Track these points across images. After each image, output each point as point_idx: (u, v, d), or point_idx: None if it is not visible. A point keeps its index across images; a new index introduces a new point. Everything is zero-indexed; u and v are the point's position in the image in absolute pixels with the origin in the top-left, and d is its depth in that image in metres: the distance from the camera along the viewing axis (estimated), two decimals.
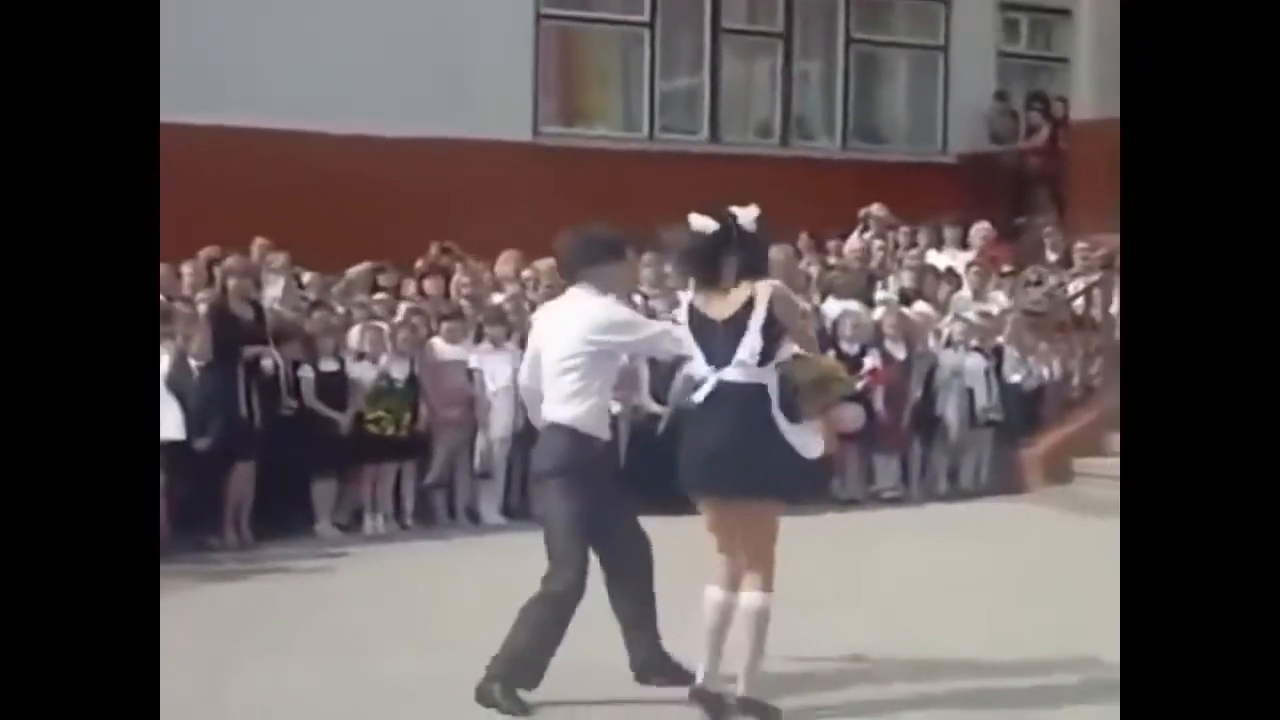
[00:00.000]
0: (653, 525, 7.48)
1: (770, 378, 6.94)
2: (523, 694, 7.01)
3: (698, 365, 7.05)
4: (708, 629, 6.96)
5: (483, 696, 7.02)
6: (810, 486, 7.60)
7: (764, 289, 6.90)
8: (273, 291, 13.39)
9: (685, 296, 7.24)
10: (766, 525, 7.02)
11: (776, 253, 15.34)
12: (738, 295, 6.91)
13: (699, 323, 7.01)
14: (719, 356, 6.90)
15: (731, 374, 6.87)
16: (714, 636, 6.96)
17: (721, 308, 6.93)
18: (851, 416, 14.09)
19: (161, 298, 12.43)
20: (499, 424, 12.83)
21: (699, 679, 6.94)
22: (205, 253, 13.51)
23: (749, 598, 6.93)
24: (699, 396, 6.99)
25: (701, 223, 7.04)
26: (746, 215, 7.09)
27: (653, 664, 7.45)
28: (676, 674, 7.33)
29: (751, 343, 6.83)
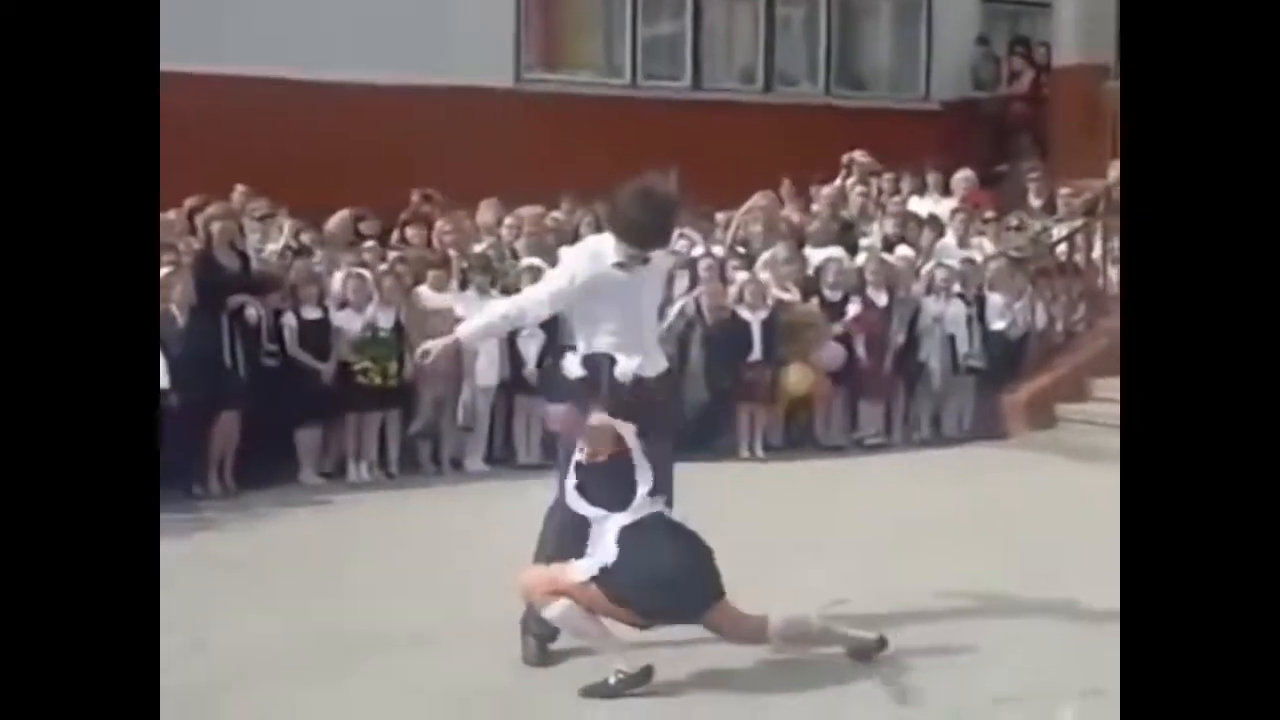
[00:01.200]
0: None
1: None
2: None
3: None
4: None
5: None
6: None
7: None
8: (257, 239, 13.37)
9: None
10: None
11: (758, 199, 15.43)
12: None
13: None
14: None
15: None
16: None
17: None
18: (831, 355, 14.25)
19: None
20: (484, 373, 12.83)
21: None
22: (189, 201, 13.44)
23: None
24: None
25: None
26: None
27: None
28: None
29: None
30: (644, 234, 7.07)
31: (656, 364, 7.26)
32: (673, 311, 13.31)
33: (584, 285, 7.11)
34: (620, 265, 7.09)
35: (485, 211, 14.94)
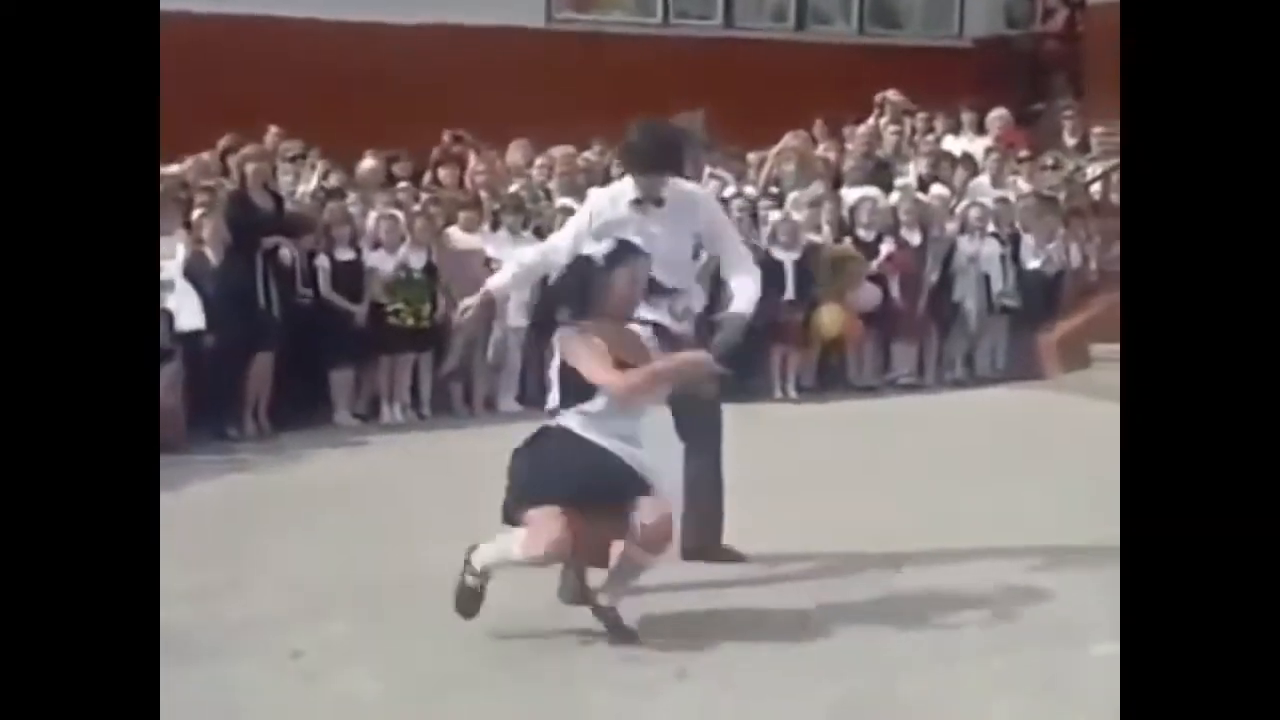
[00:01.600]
0: None
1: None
2: None
3: None
4: None
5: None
6: None
7: None
8: (290, 180, 13.38)
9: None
10: None
11: (790, 139, 15.38)
12: None
13: None
14: None
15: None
16: None
17: None
18: (868, 297, 14.22)
19: (171, 187, 12.46)
20: (515, 314, 12.83)
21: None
22: (222, 142, 13.45)
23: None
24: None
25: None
26: None
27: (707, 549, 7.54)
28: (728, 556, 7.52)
29: None
30: (647, 161, 7.23)
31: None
32: (704, 253, 13.26)
33: (601, 226, 7.20)
34: (636, 203, 7.20)
35: (515, 152, 14.91)
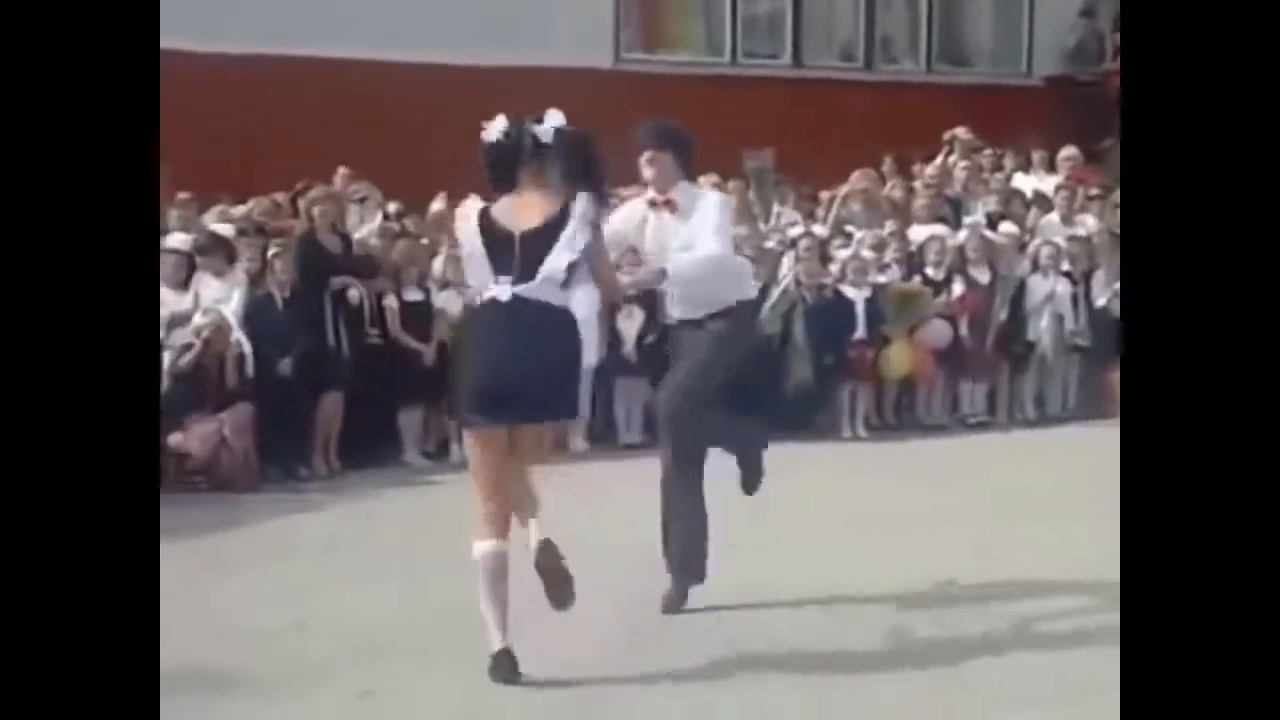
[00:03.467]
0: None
1: (577, 301, 6.65)
2: None
3: (481, 277, 6.56)
4: (489, 585, 6.53)
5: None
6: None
7: (582, 203, 6.57)
8: (356, 221, 13.46)
9: (473, 204, 6.77)
10: (539, 453, 6.79)
11: (859, 178, 15.36)
12: (544, 208, 6.55)
13: (491, 232, 6.55)
14: (514, 270, 6.45)
15: (532, 290, 6.43)
16: (499, 589, 6.54)
17: (521, 219, 6.53)
18: (938, 334, 14.16)
19: (231, 228, 12.61)
20: (584, 353, 12.80)
21: (496, 645, 6.51)
22: (297, 185, 13.55)
23: (536, 534, 6.64)
24: (488, 313, 6.50)
25: (493, 127, 6.75)
26: (546, 124, 6.72)
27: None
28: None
29: (557, 259, 6.44)
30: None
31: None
32: (776, 291, 13.30)
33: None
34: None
35: None
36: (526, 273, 6.41)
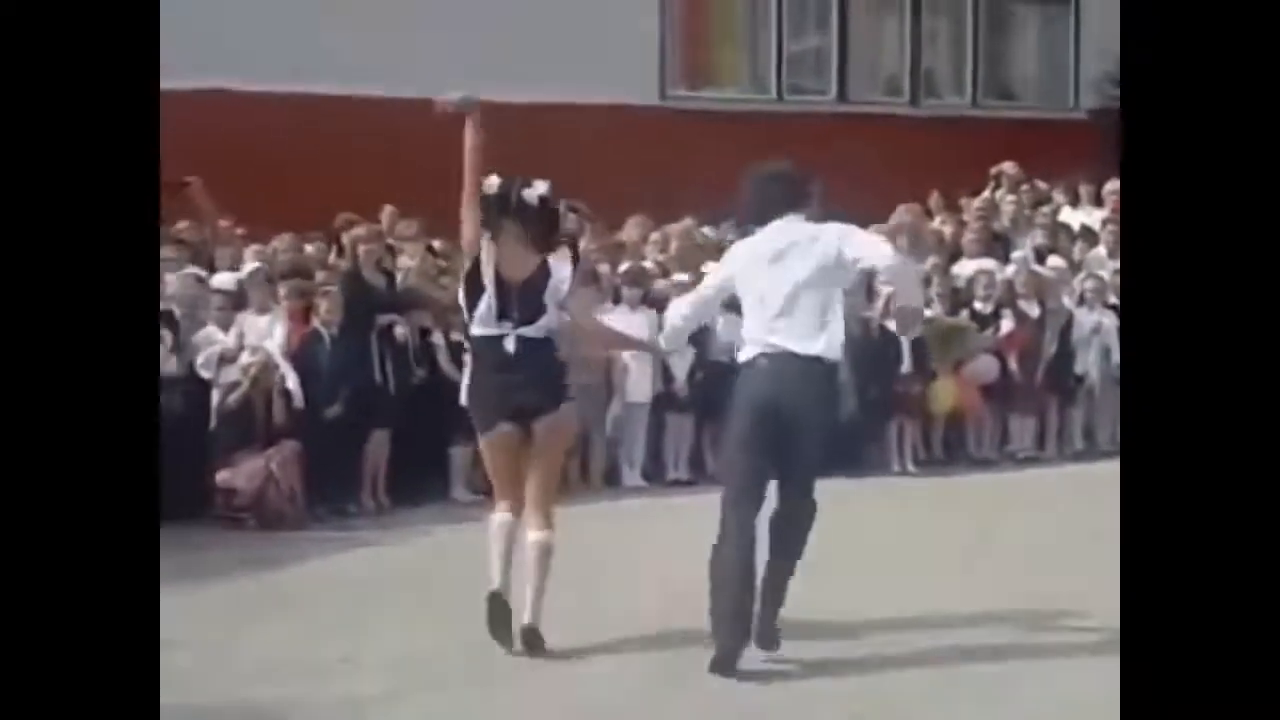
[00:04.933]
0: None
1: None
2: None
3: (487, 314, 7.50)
4: (495, 542, 7.62)
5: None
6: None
7: (559, 259, 7.61)
8: (405, 260, 13.48)
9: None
10: (554, 458, 7.72)
11: (903, 213, 15.33)
12: (531, 261, 7.55)
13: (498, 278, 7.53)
14: (511, 313, 7.46)
15: (530, 331, 7.45)
16: (502, 547, 7.62)
17: (516, 269, 7.49)
18: (985, 369, 14.12)
19: (258, 264, 12.65)
20: (637, 388, 12.83)
21: (494, 584, 7.51)
22: (338, 221, 13.60)
23: (534, 535, 7.50)
24: (509, 347, 7.46)
25: (488, 182, 7.88)
26: (532, 190, 7.87)
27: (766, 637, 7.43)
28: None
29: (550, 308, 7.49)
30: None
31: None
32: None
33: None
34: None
35: (632, 229, 14.96)
36: (525, 316, 7.46)
